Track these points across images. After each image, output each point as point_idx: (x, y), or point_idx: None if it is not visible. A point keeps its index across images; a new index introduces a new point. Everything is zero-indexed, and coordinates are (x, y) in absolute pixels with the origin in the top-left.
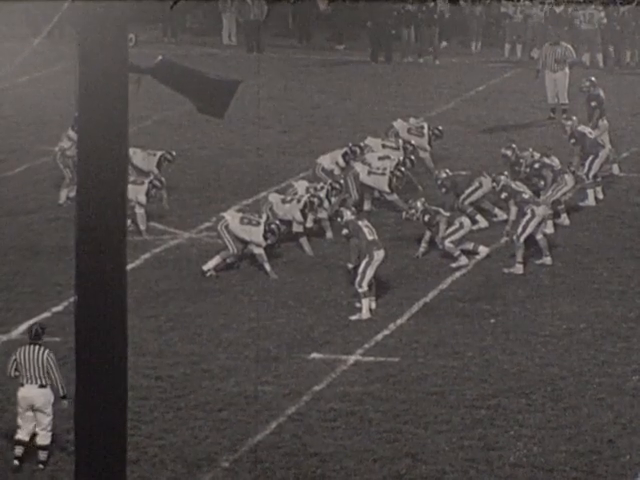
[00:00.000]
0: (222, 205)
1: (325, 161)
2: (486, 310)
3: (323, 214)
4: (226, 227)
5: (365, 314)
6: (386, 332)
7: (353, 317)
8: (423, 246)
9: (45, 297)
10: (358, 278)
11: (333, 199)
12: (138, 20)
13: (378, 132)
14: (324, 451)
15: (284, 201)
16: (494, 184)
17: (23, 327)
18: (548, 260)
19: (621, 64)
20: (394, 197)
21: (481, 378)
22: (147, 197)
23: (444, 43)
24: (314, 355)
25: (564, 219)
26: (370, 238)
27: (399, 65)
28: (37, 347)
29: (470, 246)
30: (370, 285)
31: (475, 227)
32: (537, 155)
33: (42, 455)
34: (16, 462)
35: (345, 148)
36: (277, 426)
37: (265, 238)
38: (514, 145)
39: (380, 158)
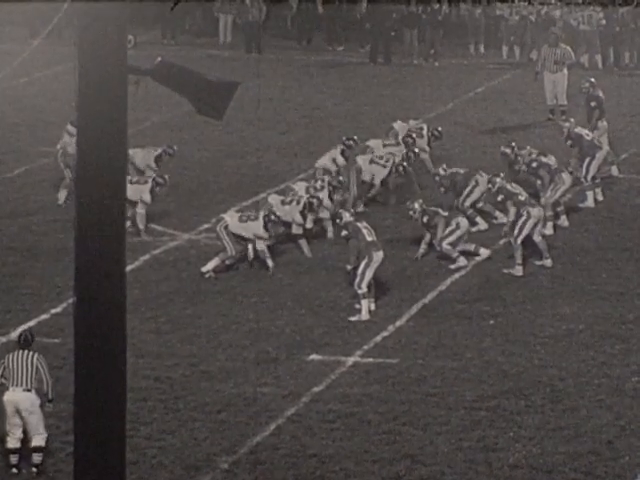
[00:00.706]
0: (221, 206)
1: (324, 163)
2: (485, 311)
3: (325, 214)
4: (225, 228)
5: (364, 315)
6: (385, 333)
7: (352, 318)
8: (423, 247)
9: (44, 298)
10: (357, 279)
11: (336, 196)
12: (137, 21)
13: (377, 133)
14: (323, 452)
15: (284, 202)
16: (490, 186)
17: (22, 328)
18: (548, 262)
19: (620, 65)
20: (378, 190)
21: (480, 379)
22: (151, 195)
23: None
24: (313, 356)
25: (563, 220)
26: (369, 239)
27: (398, 66)
28: (26, 352)
29: (471, 247)
30: (369, 286)
31: (475, 229)
32: (535, 153)
33: (36, 458)
34: (14, 470)
35: (340, 146)
36: (276, 427)
37: (266, 229)
38: (513, 144)
39: (384, 154)
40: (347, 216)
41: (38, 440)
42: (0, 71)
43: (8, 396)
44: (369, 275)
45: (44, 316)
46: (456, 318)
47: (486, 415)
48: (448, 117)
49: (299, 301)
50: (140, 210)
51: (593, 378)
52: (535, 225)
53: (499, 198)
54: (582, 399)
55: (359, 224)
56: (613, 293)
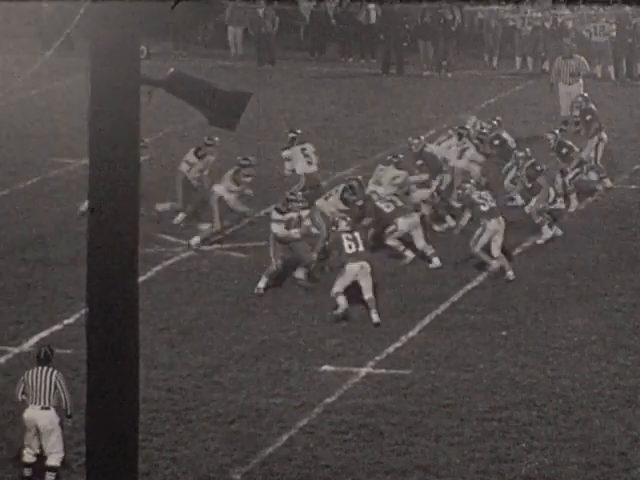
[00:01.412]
0: (233, 216)
1: (325, 207)
2: (498, 322)
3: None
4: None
5: (342, 309)
6: (398, 344)
7: (335, 312)
8: (460, 225)
9: (56, 309)
10: (335, 283)
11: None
12: (150, 32)
13: (389, 143)
14: (335, 464)
15: (326, 198)
16: (459, 191)
17: (35, 339)
18: (559, 232)
19: (633, 76)
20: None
21: (492, 390)
22: (235, 182)
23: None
24: (325, 367)
25: (572, 200)
26: (349, 252)
27: (411, 77)
28: (45, 368)
29: (401, 249)
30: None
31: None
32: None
33: (49, 477)
34: None
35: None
36: (288, 439)
37: (345, 201)
38: (557, 130)
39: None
40: (343, 225)
41: (53, 460)
42: (12, 82)
43: (28, 414)
44: (342, 283)
45: (56, 327)
46: (469, 329)
47: (499, 426)
48: None
49: (311, 312)
50: (228, 196)
51: (605, 389)
52: (492, 237)
53: (458, 204)
54: (595, 410)
55: (344, 236)
56: (626, 304)
